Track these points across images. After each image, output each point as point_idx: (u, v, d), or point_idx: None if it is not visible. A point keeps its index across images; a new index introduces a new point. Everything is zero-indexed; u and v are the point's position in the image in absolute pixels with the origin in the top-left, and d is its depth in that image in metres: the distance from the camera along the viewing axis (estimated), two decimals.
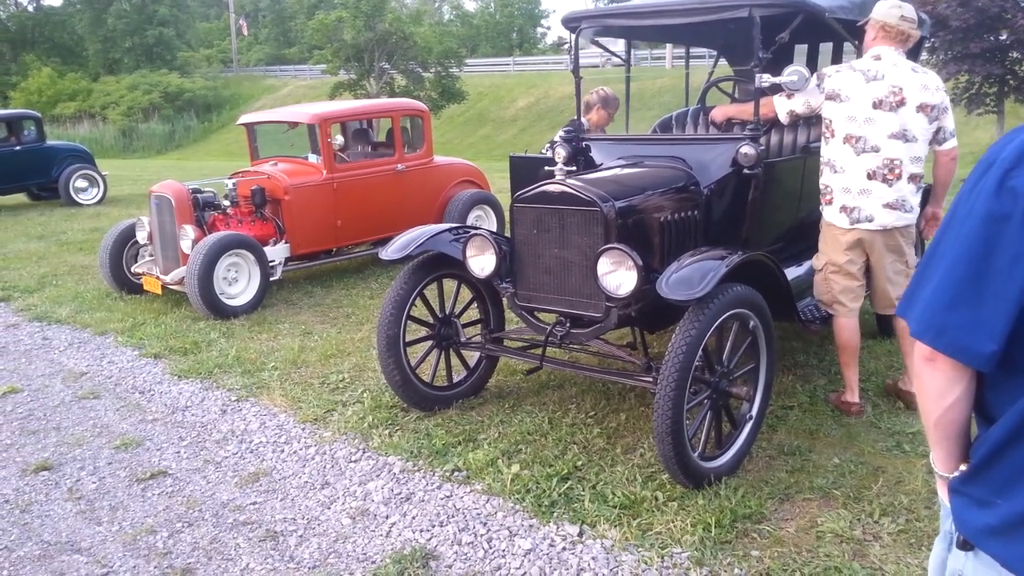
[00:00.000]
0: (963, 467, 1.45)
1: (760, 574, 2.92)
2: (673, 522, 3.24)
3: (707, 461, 3.53)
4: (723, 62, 6.17)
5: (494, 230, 7.30)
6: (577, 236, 3.80)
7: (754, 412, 3.77)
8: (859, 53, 4.61)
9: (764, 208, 4.34)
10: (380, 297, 7.25)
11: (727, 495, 3.42)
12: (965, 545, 1.40)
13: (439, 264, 4.40)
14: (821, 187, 4.15)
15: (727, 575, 2.93)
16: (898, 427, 4.09)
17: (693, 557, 3.02)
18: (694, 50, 6.27)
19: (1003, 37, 16.14)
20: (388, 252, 4.31)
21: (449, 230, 4.41)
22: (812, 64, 5.83)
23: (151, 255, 7.35)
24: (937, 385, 1.38)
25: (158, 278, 6.93)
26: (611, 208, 3.72)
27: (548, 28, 66.99)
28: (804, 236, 5.09)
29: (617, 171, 4.29)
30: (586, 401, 4.53)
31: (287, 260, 7.53)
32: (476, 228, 4.34)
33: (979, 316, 1.27)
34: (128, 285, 7.37)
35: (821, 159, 4.14)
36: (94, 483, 3.88)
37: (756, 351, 3.76)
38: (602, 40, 5.20)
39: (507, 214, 9.09)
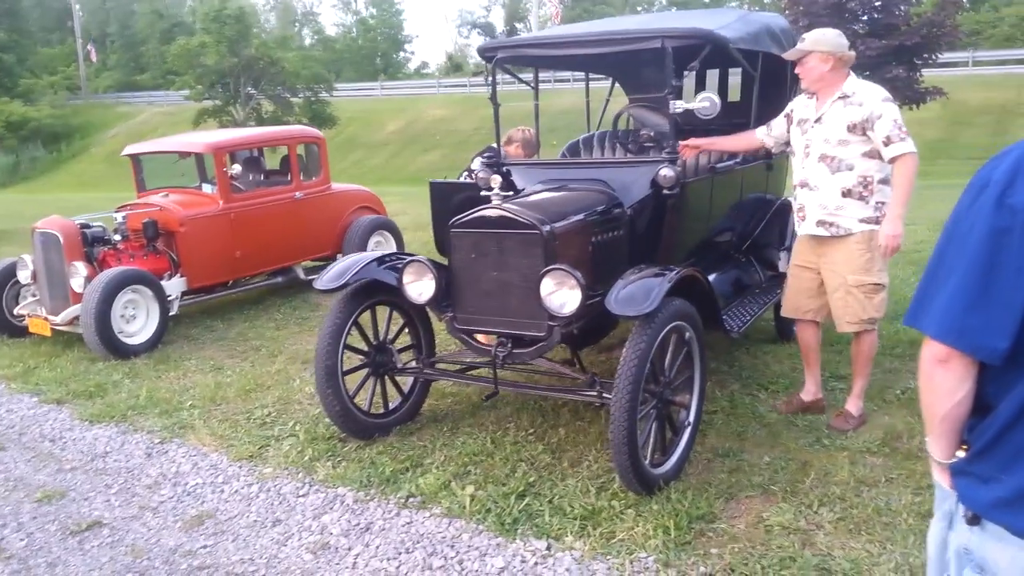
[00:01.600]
0: (960, 453, 1.65)
1: (724, 570, 3.10)
2: (634, 529, 3.38)
3: (655, 468, 3.71)
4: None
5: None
6: (517, 258, 3.91)
7: (691, 418, 3.98)
8: (756, 83, 5.00)
9: (680, 226, 4.60)
10: (286, 328, 7.13)
11: (678, 499, 3.60)
12: (974, 520, 1.59)
13: (372, 292, 4.40)
14: (875, 204, 4.15)
15: (694, 574, 3.09)
16: (815, 424, 4.41)
17: (660, 560, 3.17)
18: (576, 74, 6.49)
19: None
20: (323, 281, 4.26)
21: (382, 257, 4.42)
22: (700, 87, 6.23)
23: (34, 295, 6.92)
24: (948, 384, 1.57)
25: (46, 319, 6.53)
26: (550, 230, 3.85)
27: (412, 53, 67.24)
28: (711, 252, 5.42)
29: (549, 194, 4.43)
30: (523, 419, 4.63)
31: (183, 294, 7.27)
32: (412, 254, 4.38)
33: (992, 318, 1.46)
34: (10, 328, 6.91)
35: (875, 178, 4.13)
36: (22, 540, 3.64)
37: (691, 360, 3.98)
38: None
39: (405, 237, 9.16)
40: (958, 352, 1.51)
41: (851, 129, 4.09)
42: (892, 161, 4.03)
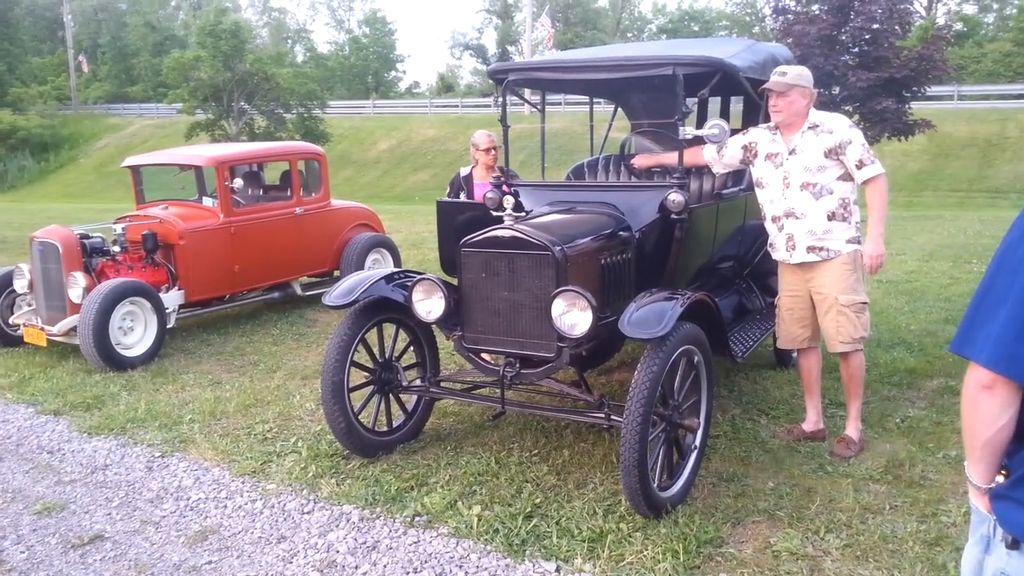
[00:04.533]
0: (999, 478, 1.67)
1: None
2: (643, 552, 3.38)
3: (662, 491, 3.71)
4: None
5: None
6: (528, 279, 3.93)
7: (698, 442, 3.99)
8: (761, 111, 5.05)
9: (687, 250, 4.63)
10: (284, 344, 7.10)
11: (685, 523, 3.60)
12: (1014, 544, 1.61)
13: (379, 309, 4.41)
14: (855, 224, 4.33)
15: None
16: (816, 451, 4.43)
17: None
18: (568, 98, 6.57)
19: (835, 91, 17.83)
20: (333, 297, 4.27)
21: (391, 275, 4.43)
22: (703, 115, 6.30)
23: (30, 305, 6.87)
24: (992, 410, 1.59)
25: (42, 329, 6.48)
26: (561, 252, 3.88)
27: (404, 72, 67.37)
28: (713, 277, 5.47)
29: (559, 216, 4.46)
30: (526, 440, 4.63)
31: (180, 307, 7.24)
32: (421, 272, 4.39)
33: None
34: (4, 338, 6.86)
35: (851, 199, 4.30)
36: (23, 552, 3.59)
37: (698, 385, 4.00)
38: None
39: (403, 256, 9.16)
40: (1004, 379, 1.54)
41: (827, 155, 4.26)
42: (865, 183, 4.22)
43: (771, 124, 4.47)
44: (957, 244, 12.28)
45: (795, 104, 4.30)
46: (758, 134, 4.54)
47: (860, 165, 4.19)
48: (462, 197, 6.12)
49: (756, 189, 4.60)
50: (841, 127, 4.28)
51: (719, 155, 4.67)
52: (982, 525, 1.72)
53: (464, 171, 6.35)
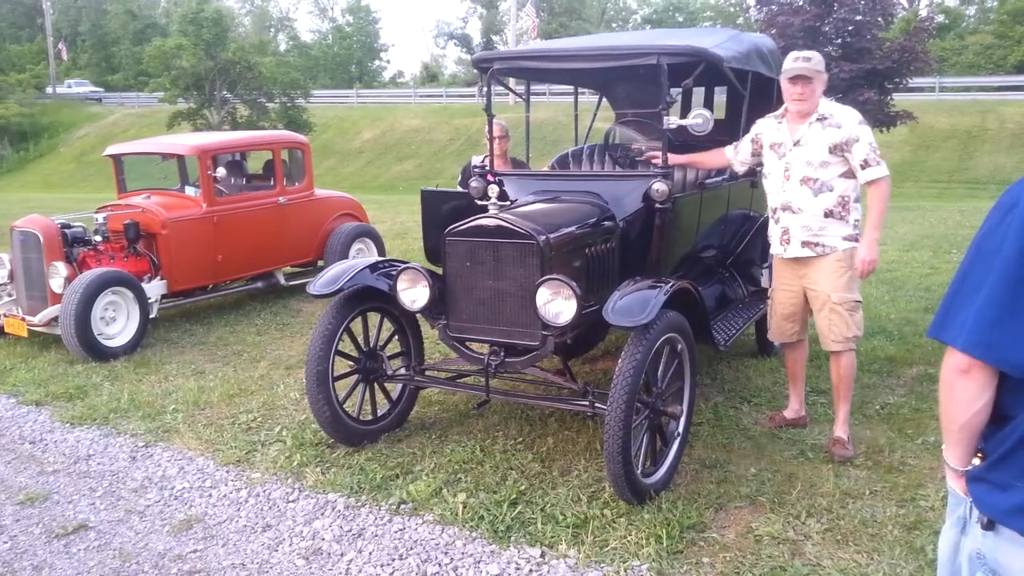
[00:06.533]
0: (975, 461, 1.71)
1: None
2: (627, 537, 3.41)
3: (646, 477, 3.75)
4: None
5: None
6: (512, 268, 3.94)
7: (680, 429, 4.03)
8: (745, 101, 5.07)
9: (670, 239, 4.66)
10: (267, 333, 7.08)
11: (668, 508, 3.64)
12: (989, 525, 1.65)
13: (364, 298, 4.41)
14: (853, 223, 4.21)
15: None
16: (798, 437, 4.48)
17: (653, 568, 3.21)
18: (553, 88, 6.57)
19: None
20: (317, 286, 4.27)
21: (376, 264, 4.43)
22: (687, 105, 6.32)
23: (11, 295, 6.81)
24: (969, 394, 1.62)
25: (23, 319, 6.43)
26: (545, 241, 3.89)
27: (388, 62, 67.04)
28: (697, 266, 5.50)
29: (544, 205, 4.48)
30: (511, 428, 4.65)
31: (162, 297, 7.20)
32: (405, 262, 4.39)
33: (1020, 332, 1.52)
34: None
35: (851, 197, 4.18)
36: (6, 543, 3.58)
37: (681, 372, 4.03)
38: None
39: (387, 246, 9.15)
40: (980, 363, 1.57)
41: (832, 150, 4.12)
42: (868, 184, 4.10)
43: (778, 112, 4.40)
44: (937, 234, 12.40)
45: (818, 91, 4.18)
46: (764, 124, 4.47)
47: (865, 165, 4.06)
48: None
49: (763, 179, 4.57)
50: (850, 123, 4.11)
51: (736, 154, 4.65)
52: (959, 507, 1.75)
53: (476, 159, 6.30)
